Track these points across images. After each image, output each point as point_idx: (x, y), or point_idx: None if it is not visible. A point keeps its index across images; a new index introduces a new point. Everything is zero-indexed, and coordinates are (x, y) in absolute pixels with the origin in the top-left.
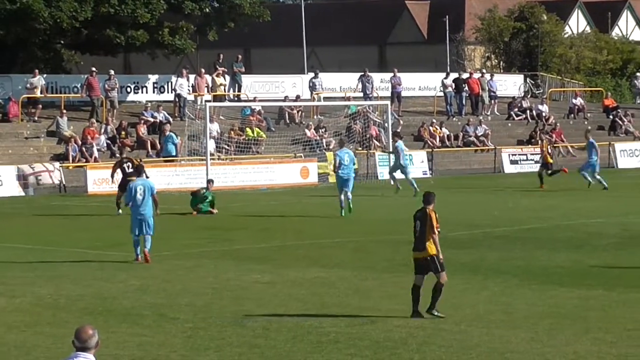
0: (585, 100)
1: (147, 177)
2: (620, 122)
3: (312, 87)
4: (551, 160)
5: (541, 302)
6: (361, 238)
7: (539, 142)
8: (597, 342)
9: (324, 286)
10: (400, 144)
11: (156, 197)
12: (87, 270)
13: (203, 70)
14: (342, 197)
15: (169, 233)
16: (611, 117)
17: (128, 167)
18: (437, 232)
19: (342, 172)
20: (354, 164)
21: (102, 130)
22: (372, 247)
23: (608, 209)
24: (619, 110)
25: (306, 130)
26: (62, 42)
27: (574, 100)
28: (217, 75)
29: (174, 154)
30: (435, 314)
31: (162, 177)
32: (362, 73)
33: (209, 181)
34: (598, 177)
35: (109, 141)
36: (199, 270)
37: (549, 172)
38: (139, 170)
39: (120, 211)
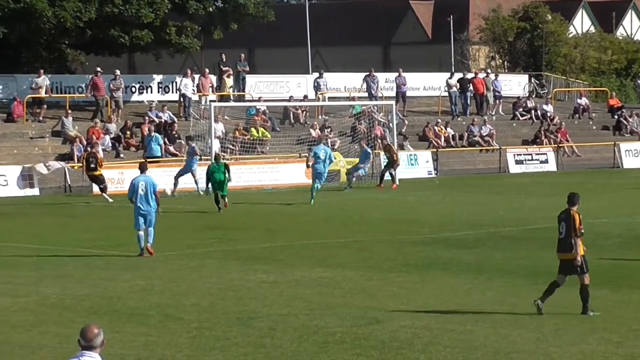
0: (590, 100)
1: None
2: (625, 122)
3: (317, 87)
4: None
5: (546, 302)
6: (365, 238)
7: None
8: (603, 342)
9: (329, 286)
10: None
11: (157, 194)
12: (92, 270)
13: (207, 70)
14: (317, 185)
15: (173, 233)
16: (616, 117)
17: (92, 162)
18: (580, 234)
19: (317, 166)
20: (330, 160)
21: (106, 130)
22: (376, 247)
23: (613, 209)
24: (623, 110)
25: (311, 130)
26: (66, 42)
27: (578, 100)
28: (227, 76)
29: (158, 154)
30: (591, 314)
31: (167, 177)
32: (367, 73)
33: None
34: None
35: (113, 141)
36: (203, 270)
37: None
38: (142, 168)
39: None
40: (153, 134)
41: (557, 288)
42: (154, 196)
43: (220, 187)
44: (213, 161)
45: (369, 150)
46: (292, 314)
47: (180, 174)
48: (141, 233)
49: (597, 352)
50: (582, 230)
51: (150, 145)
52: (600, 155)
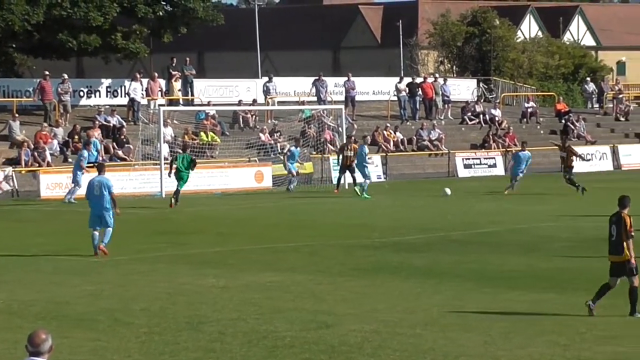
0: (537, 105)
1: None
2: (572, 127)
3: (266, 91)
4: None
5: (495, 305)
6: (315, 242)
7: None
8: (551, 345)
9: (278, 290)
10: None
11: (114, 195)
12: (40, 274)
13: (156, 74)
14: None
15: (124, 237)
16: (563, 121)
17: None
18: (631, 236)
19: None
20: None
21: (53, 134)
22: (326, 251)
23: (559, 213)
24: (570, 115)
25: (260, 135)
26: (14, 45)
27: (526, 104)
28: (175, 80)
29: (93, 160)
30: (638, 315)
31: (116, 182)
32: (317, 77)
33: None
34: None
35: (61, 145)
36: (153, 274)
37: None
38: (99, 169)
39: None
40: (93, 139)
41: (609, 290)
42: (109, 197)
43: (181, 177)
44: (181, 151)
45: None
46: (241, 318)
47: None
48: (96, 233)
49: (545, 355)
50: (633, 233)
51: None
52: (548, 160)
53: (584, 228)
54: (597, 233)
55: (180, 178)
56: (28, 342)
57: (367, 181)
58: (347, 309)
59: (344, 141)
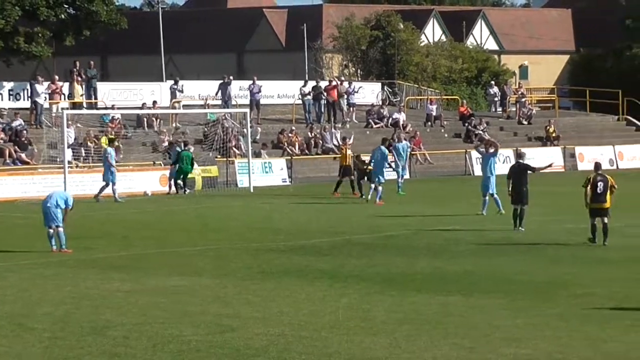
0: (441, 108)
1: None
2: (474, 130)
3: (173, 94)
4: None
5: (400, 308)
6: (221, 246)
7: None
8: (456, 348)
9: (185, 294)
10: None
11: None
12: None
13: (57, 77)
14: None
15: (27, 241)
16: (466, 124)
17: None
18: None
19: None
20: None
21: None
22: (232, 255)
23: (464, 216)
24: (473, 118)
25: (163, 137)
26: None
27: (429, 106)
28: (77, 83)
29: None
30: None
31: (19, 186)
32: (222, 80)
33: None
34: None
35: None
36: (58, 279)
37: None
38: None
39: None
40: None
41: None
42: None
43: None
44: (184, 148)
45: (178, 150)
46: (147, 322)
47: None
48: (50, 230)
49: (450, 357)
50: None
51: None
52: (451, 163)
53: (488, 231)
54: (502, 235)
55: (184, 172)
56: None
57: (380, 187)
58: (252, 313)
59: (249, 145)
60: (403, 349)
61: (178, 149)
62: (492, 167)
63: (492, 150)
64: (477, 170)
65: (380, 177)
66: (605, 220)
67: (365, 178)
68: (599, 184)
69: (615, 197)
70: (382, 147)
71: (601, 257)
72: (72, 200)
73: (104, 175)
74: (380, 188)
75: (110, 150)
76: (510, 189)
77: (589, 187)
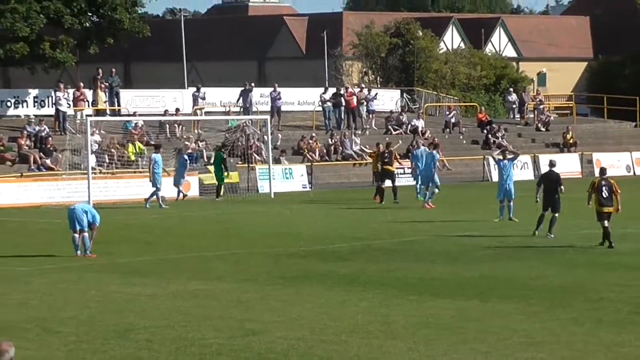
0: (460, 115)
1: None
2: (493, 137)
3: (195, 101)
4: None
5: (419, 312)
6: (242, 251)
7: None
8: (473, 352)
9: (206, 298)
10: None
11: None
12: None
13: (82, 85)
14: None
15: (51, 246)
16: (485, 131)
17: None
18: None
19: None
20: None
21: None
22: (253, 260)
23: (483, 222)
24: (493, 125)
25: (187, 144)
26: None
27: (447, 113)
28: (101, 90)
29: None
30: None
31: (44, 191)
32: (243, 87)
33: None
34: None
35: None
36: (82, 283)
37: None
38: None
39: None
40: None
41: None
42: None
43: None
44: (220, 152)
45: (185, 157)
46: (169, 326)
47: (176, 182)
48: (76, 235)
49: None
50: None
51: None
52: (470, 169)
53: (506, 237)
54: (520, 240)
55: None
56: None
57: (436, 190)
58: (273, 317)
59: (270, 151)
60: (422, 353)
61: (185, 156)
62: (510, 173)
63: (510, 156)
64: (495, 177)
65: (437, 180)
66: (606, 223)
67: (387, 181)
68: (603, 188)
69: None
70: (434, 152)
71: (617, 262)
72: (99, 217)
73: (153, 181)
74: (436, 190)
75: (155, 156)
76: (538, 196)
77: (593, 191)
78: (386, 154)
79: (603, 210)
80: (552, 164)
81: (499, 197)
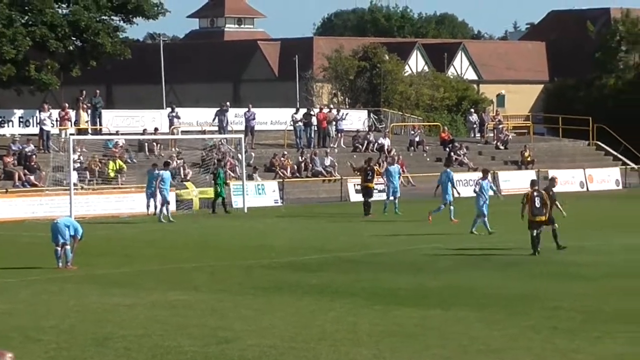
0: (424, 134)
1: None
2: (455, 155)
3: (171, 122)
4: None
5: (385, 321)
6: (218, 263)
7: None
8: (435, 358)
9: (183, 308)
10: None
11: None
12: None
13: (67, 105)
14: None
15: (34, 259)
16: (447, 149)
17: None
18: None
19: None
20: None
21: None
22: (228, 271)
23: (445, 235)
24: (455, 144)
25: (169, 161)
26: None
27: (412, 132)
28: (83, 110)
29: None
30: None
31: (27, 207)
32: (219, 107)
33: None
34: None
35: None
36: (63, 294)
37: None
38: None
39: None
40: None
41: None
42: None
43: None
44: (220, 169)
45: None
46: (147, 334)
47: (163, 201)
48: (58, 248)
49: None
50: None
51: None
52: (433, 185)
53: (467, 249)
54: (481, 253)
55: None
56: None
57: (442, 206)
58: (246, 325)
59: (243, 169)
60: None
61: (156, 172)
62: (484, 191)
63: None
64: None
65: (447, 197)
66: (535, 233)
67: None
68: (536, 199)
69: (554, 209)
70: (448, 170)
71: (574, 273)
72: (82, 230)
73: (162, 196)
74: (442, 207)
75: (163, 172)
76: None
77: (527, 202)
78: (369, 171)
79: (535, 219)
80: (552, 180)
81: (481, 213)
